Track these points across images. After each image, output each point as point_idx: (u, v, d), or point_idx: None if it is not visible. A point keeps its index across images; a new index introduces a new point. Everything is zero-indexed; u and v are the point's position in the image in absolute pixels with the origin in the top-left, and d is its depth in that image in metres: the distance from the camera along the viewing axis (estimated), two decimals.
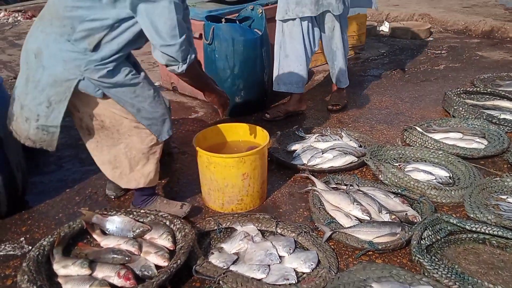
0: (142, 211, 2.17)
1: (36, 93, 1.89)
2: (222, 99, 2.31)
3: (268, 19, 3.64)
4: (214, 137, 2.55)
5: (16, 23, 7.01)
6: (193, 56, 1.91)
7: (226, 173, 2.26)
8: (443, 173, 2.63)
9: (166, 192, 2.56)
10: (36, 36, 1.90)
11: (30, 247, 2.10)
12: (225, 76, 3.31)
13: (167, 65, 1.93)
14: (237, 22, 3.40)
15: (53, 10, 1.87)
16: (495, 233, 2.08)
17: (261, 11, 3.43)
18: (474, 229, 2.11)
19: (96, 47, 1.83)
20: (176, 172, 2.76)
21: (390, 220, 2.18)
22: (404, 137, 3.12)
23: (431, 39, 5.64)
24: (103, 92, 1.91)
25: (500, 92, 3.65)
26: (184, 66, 1.88)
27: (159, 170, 2.20)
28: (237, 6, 3.59)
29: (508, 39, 5.51)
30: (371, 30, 5.69)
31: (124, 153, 2.08)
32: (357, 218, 2.21)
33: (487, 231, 2.10)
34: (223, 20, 3.32)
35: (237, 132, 2.59)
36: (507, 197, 2.42)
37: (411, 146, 3.01)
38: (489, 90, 3.73)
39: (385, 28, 6.03)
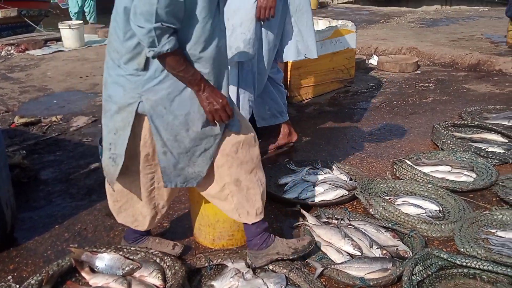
0: (132, 248, 2.15)
1: (108, 122, 1.91)
2: (210, 104, 1.82)
3: None
4: None
5: (9, 56, 7.06)
6: (165, 47, 1.66)
7: (217, 209, 2.25)
8: (433, 207, 2.65)
9: (156, 227, 2.54)
10: (104, 68, 1.90)
11: (17, 286, 2.06)
12: None
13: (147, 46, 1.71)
14: None
15: (108, 40, 1.87)
16: (485, 268, 2.08)
17: None
18: (464, 264, 2.11)
19: (146, 65, 1.77)
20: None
21: (381, 256, 2.18)
22: (394, 170, 3.15)
23: (419, 72, 5.76)
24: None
25: (487, 125, 3.71)
26: (151, 53, 1.68)
27: (155, 216, 2.14)
28: None
29: (494, 72, 5.64)
30: (360, 64, 5.80)
31: (128, 187, 2.05)
32: (348, 253, 2.21)
33: (477, 266, 2.10)
34: None
35: None
36: (496, 231, 2.43)
37: (401, 179, 3.03)
38: (476, 123, 3.79)
39: (374, 61, 6.15)
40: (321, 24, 5.11)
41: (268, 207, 2.70)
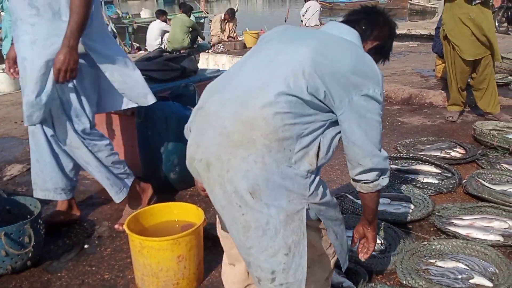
0: None
1: (267, 242, 1.49)
2: (369, 249, 1.86)
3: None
4: (148, 218, 2.49)
5: None
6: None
7: (160, 257, 2.20)
8: None
9: (96, 280, 2.43)
10: (247, 170, 1.46)
11: None
12: (159, 153, 3.31)
13: (373, 180, 1.63)
14: (170, 99, 3.45)
15: (267, 132, 1.46)
16: None
17: (193, 88, 3.53)
18: None
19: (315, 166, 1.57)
20: (107, 257, 2.64)
21: None
22: None
23: None
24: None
25: (421, 156, 3.90)
26: (387, 179, 1.65)
27: None
28: (169, 84, 3.66)
29: (426, 105, 5.95)
30: None
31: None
32: None
33: None
34: None
35: (172, 211, 2.55)
36: (435, 261, 2.52)
37: (344, 214, 3.09)
38: (411, 155, 3.97)
39: None
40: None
41: (214, 251, 2.65)
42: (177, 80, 3.71)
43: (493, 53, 4.73)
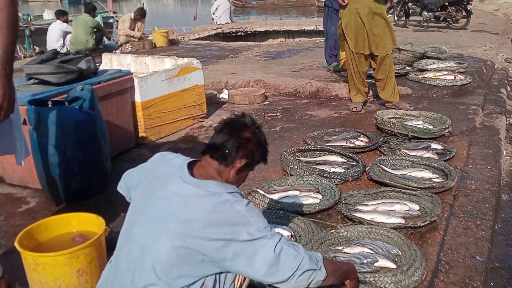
0: None
1: None
2: None
3: (101, 98, 3.57)
4: (44, 232, 2.31)
5: None
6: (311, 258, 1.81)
7: (58, 273, 2.05)
8: (285, 233, 2.73)
9: None
10: None
11: None
12: (56, 161, 3.10)
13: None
14: (66, 103, 3.25)
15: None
16: None
17: (91, 90, 3.35)
18: None
19: None
20: (2, 279, 2.42)
21: None
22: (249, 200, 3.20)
23: (267, 102, 6.05)
24: None
25: (328, 147, 4.01)
26: (323, 272, 1.80)
27: None
28: (65, 87, 3.44)
29: (332, 97, 6.17)
30: (212, 98, 5.91)
31: None
32: None
33: None
34: (49, 103, 3.15)
35: (70, 223, 2.39)
36: (342, 248, 2.59)
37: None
38: (319, 146, 4.07)
39: (225, 95, 6.32)
40: (167, 63, 5.12)
41: None
42: (74, 82, 3.50)
43: (388, 46, 4.99)
